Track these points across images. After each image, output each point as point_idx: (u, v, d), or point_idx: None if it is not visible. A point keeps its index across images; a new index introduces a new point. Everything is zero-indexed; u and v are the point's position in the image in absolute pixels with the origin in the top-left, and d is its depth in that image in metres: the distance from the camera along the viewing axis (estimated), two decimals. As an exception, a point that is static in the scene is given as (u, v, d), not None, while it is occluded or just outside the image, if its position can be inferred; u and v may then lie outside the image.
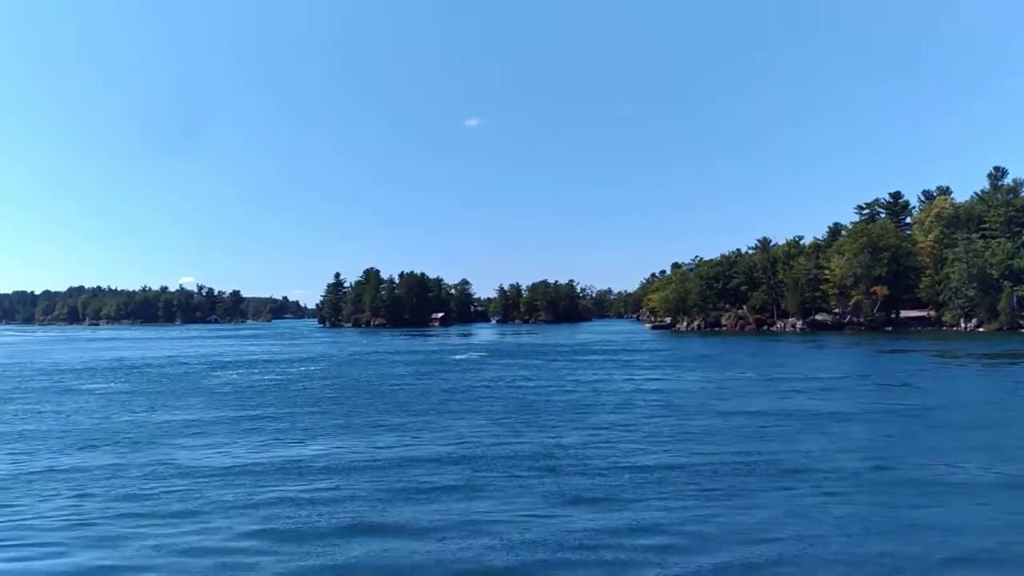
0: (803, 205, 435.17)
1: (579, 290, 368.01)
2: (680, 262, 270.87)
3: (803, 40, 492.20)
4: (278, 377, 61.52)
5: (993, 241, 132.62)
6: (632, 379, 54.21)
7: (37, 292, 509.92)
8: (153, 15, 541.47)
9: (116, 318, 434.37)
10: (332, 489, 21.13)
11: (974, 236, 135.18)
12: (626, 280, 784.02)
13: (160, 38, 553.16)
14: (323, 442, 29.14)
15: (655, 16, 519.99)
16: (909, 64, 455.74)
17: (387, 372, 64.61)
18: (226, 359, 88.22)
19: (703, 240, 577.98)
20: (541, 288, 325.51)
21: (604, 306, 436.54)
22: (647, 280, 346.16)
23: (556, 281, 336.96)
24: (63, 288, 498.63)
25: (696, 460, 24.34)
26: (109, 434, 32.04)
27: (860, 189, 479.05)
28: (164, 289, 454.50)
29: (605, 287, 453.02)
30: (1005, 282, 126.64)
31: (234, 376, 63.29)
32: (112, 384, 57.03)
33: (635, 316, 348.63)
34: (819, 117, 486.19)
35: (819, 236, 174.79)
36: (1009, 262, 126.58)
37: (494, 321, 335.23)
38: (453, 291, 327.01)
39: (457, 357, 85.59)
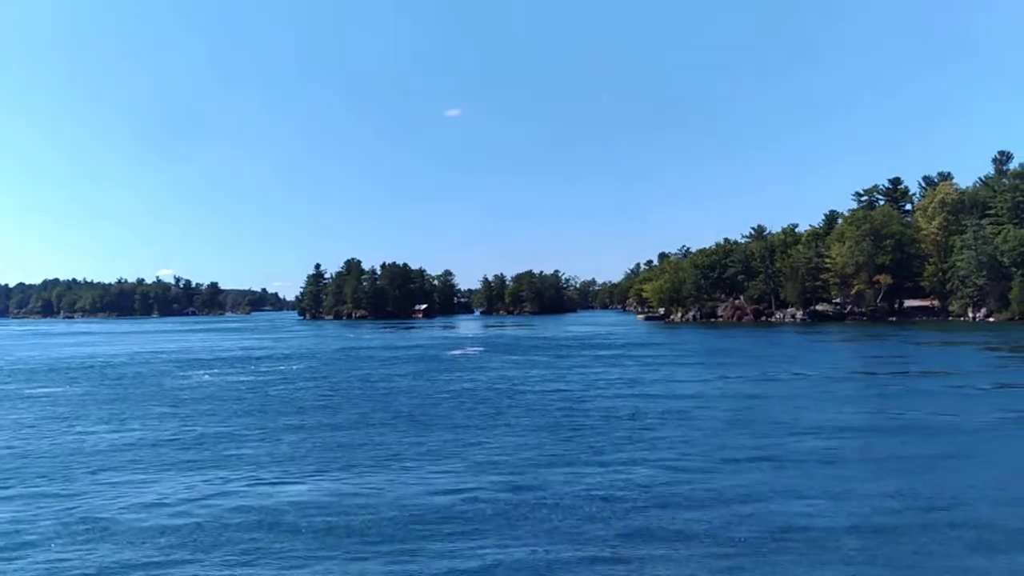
0: (788, 194, 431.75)
1: (563, 281, 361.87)
2: (668, 252, 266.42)
3: (787, 29, 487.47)
4: (256, 378, 54.38)
5: (1003, 227, 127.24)
6: (664, 380, 47.32)
7: (11, 285, 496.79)
8: (140, 14, 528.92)
9: (91, 311, 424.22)
10: (329, 562, 14.35)
11: (983, 222, 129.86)
12: (607, 270, 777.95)
13: (143, 35, 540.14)
14: (311, 476, 22.15)
15: (636, 7, 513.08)
16: (898, 48, 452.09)
17: (380, 372, 57.43)
18: (199, 356, 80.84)
19: (687, 230, 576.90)
20: (526, 279, 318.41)
21: (589, 297, 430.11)
22: (631, 270, 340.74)
23: (541, 272, 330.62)
24: (38, 281, 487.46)
25: (836, 508, 17.56)
26: (32, 461, 24.96)
27: (846, 179, 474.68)
28: (141, 281, 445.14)
29: (588, 277, 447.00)
30: (1016, 270, 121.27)
31: (206, 377, 56.17)
32: (65, 388, 49.77)
33: (620, 307, 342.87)
34: (802, 106, 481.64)
35: (811, 225, 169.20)
36: (1022, 249, 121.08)
37: (478, 312, 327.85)
38: (436, 282, 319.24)
39: (454, 353, 78.50)
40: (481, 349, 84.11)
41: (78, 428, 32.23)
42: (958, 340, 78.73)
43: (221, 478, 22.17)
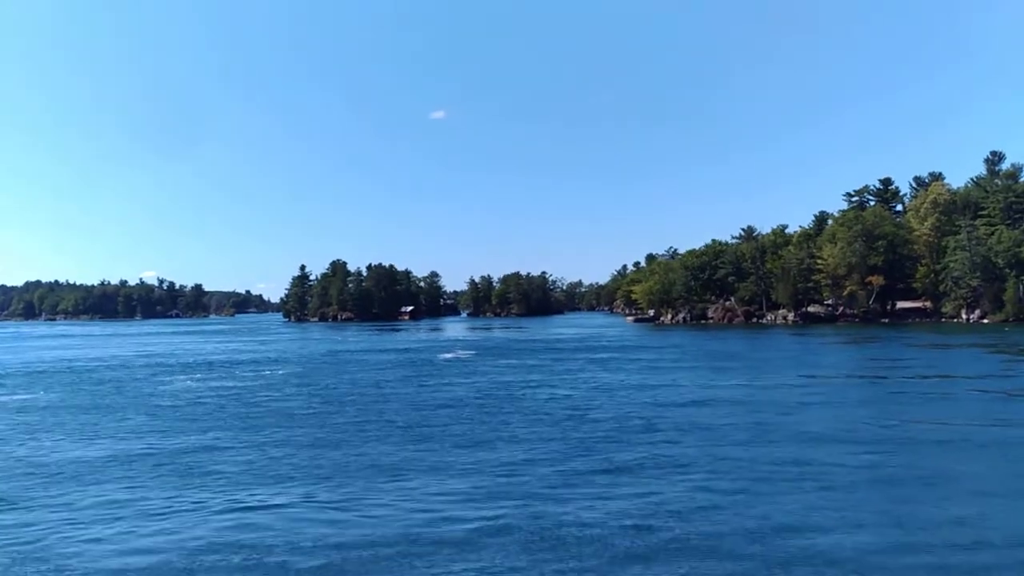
0: (776, 196, 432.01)
1: (550, 282, 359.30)
2: (655, 253, 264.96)
3: (778, 30, 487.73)
4: (240, 384, 51.82)
5: (997, 228, 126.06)
6: (669, 386, 45.01)
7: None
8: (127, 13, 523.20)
9: (74, 313, 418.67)
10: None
11: (977, 223, 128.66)
12: (594, 272, 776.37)
13: (129, 35, 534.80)
14: (300, 499, 19.75)
15: (622, 10, 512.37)
16: (886, 51, 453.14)
17: (371, 377, 54.83)
18: (182, 360, 78.03)
19: (674, 232, 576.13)
20: (514, 280, 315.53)
21: (575, 299, 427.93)
22: (618, 272, 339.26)
23: (528, 273, 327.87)
24: (19, 283, 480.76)
25: (908, 541, 15.29)
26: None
27: (834, 181, 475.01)
28: (124, 283, 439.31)
29: (575, 279, 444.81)
30: (1010, 271, 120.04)
31: (188, 383, 53.54)
32: (36, 394, 47.06)
33: (607, 308, 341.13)
34: (790, 108, 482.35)
35: (801, 226, 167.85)
36: (1016, 250, 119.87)
37: (465, 314, 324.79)
38: (422, 284, 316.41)
39: (446, 356, 75.97)
40: (473, 352, 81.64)
41: (45, 441, 29.67)
42: (960, 342, 77.05)
43: (197, 502, 19.73)
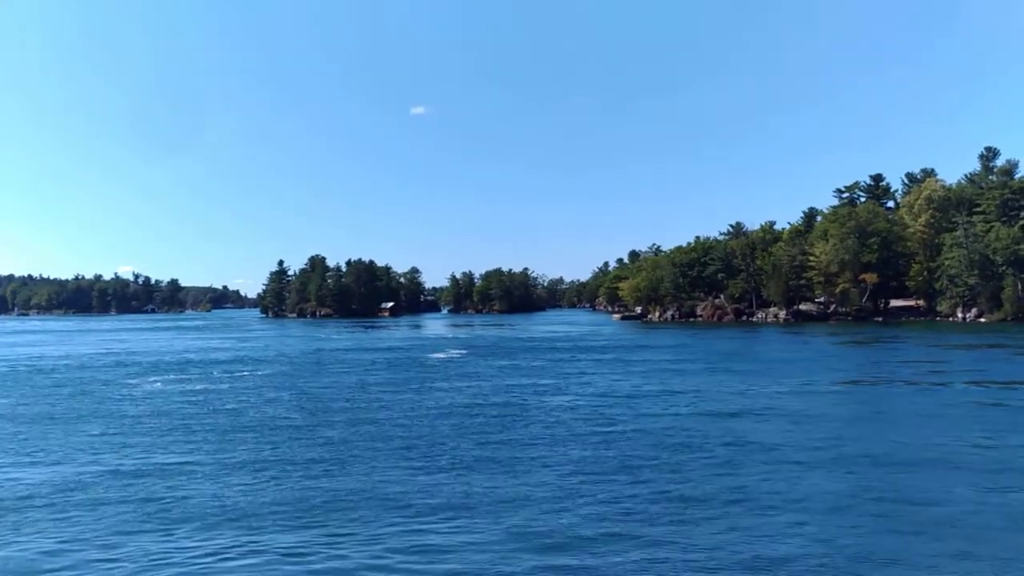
0: (755, 192, 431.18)
1: (531, 279, 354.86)
2: (638, 250, 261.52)
3: (753, 33, 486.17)
4: (215, 387, 47.16)
5: (993, 225, 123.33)
6: (692, 391, 40.70)
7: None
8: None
9: (47, 308, 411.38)
10: None
11: (974, 219, 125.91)
12: (575, 270, 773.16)
13: (98, 24, 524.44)
14: (285, 547, 15.34)
15: (604, 5, 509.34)
16: (845, 46, 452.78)
17: (359, 380, 50.07)
18: (154, 359, 73.05)
19: (652, 229, 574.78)
20: (496, 277, 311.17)
21: (557, 296, 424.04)
22: (600, 269, 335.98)
23: (511, 269, 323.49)
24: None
25: None
26: None
27: (812, 178, 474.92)
28: (99, 278, 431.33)
29: (556, 276, 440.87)
30: (1008, 269, 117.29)
31: (158, 385, 48.90)
32: (-13, 400, 42.36)
33: (589, 306, 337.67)
34: (767, 104, 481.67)
35: (790, 222, 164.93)
36: (1015, 247, 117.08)
37: (445, 311, 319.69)
38: (403, 280, 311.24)
39: (437, 356, 71.44)
40: (465, 352, 77.08)
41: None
42: (972, 343, 73.69)
43: (146, 550, 15.30)
